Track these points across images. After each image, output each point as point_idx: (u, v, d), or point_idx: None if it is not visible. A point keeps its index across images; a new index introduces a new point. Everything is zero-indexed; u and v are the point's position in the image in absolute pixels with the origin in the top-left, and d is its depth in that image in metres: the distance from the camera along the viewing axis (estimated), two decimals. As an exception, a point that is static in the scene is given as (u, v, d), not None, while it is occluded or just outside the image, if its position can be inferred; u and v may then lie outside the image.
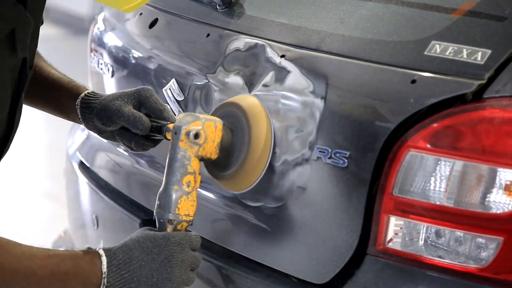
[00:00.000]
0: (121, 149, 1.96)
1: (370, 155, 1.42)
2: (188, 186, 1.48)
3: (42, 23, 1.64)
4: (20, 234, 3.61)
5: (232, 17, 1.70)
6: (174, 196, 1.47)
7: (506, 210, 1.35)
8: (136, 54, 1.93)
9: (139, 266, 1.41)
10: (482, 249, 1.37)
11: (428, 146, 1.39)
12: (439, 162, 1.38)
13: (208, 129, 1.49)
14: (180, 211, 1.47)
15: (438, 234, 1.40)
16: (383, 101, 1.44)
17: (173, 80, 1.76)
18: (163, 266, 1.41)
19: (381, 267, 1.43)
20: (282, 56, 1.56)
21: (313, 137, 1.49)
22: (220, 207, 1.68)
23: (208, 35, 1.72)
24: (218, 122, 1.51)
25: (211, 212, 1.68)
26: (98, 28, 2.11)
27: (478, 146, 1.36)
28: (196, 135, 1.47)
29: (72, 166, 2.16)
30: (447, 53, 1.40)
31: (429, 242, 1.41)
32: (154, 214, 1.50)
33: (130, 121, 1.53)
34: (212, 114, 1.57)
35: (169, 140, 1.50)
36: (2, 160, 1.47)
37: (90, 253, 1.42)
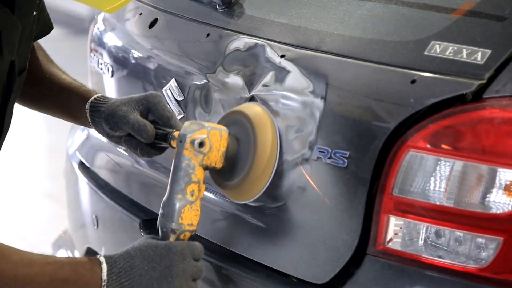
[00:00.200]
0: (121, 149, 1.96)
1: (370, 155, 1.42)
2: (192, 195, 1.46)
3: (51, 28, 1.63)
4: (20, 234, 3.61)
5: (232, 17, 1.70)
6: (177, 205, 1.45)
7: (506, 210, 1.35)
8: (136, 54, 1.92)
9: (140, 274, 1.40)
10: (482, 249, 1.37)
11: (428, 146, 1.39)
12: (439, 162, 1.38)
13: (213, 137, 1.47)
14: (183, 220, 1.46)
15: (438, 234, 1.40)
16: (383, 101, 1.44)
17: (173, 80, 1.76)
18: (164, 276, 1.40)
19: (381, 267, 1.43)
20: (282, 56, 1.56)
21: (313, 137, 1.48)
22: (219, 207, 1.68)
23: (208, 35, 1.72)
24: (224, 131, 1.50)
25: (211, 212, 1.68)
26: (98, 28, 2.11)
27: (478, 146, 1.36)
28: (201, 144, 1.45)
29: (72, 166, 2.16)
30: (447, 53, 1.40)
31: (429, 242, 1.40)
32: (158, 222, 1.49)
33: (135, 129, 1.52)
34: (218, 123, 1.55)
35: (174, 148, 1.49)
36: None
37: (91, 260, 1.41)
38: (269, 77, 1.57)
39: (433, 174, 1.39)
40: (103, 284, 1.39)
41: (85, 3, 1.41)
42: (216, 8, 1.73)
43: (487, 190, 1.36)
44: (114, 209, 1.91)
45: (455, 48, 1.40)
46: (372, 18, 1.55)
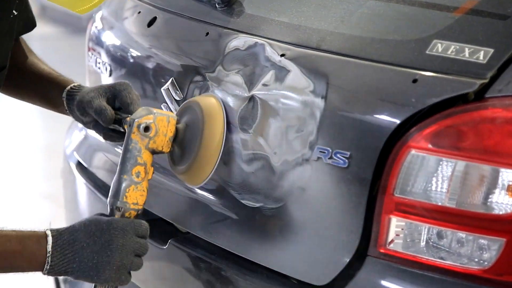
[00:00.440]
0: (118, 150, 1.95)
1: (371, 155, 1.41)
2: (137, 176, 1.53)
3: (34, 25, 1.71)
4: (18, 234, 3.60)
5: (232, 15, 1.70)
6: (123, 185, 1.53)
7: (509, 211, 1.34)
8: (134, 53, 1.92)
9: (82, 247, 1.46)
10: (484, 250, 1.36)
11: (430, 146, 1.38)
12: (441, 163, 1.38)
13: (160, 123, 1.55)
14: (128, 199, 1.53)
15: (439, 235, 1.39)
16: (384, 101, 1.43)
17: (172, 79, 1.76)
18: (103, 249, 1.47)
19: (382, 268, 1.42)
20: (282, 55, 1.56)
21: (313, 137, 1.48)
22: (219, 208, 1.67)
23: (207, 34, 1.72)
24: (172, 117, 1.57)
25: (210, 212, 1.68)
26: (96, 27, 2.11)
27: (480, 146, 1.36)
28: (146, 128, 1.53)
29: (70, 167, 2.15)
30: (449, 52, 1.39)
31: (431, 243, 1.40)
32: (107, 201, 1.56)
33: (96, 113, 1.60)
34: (179, 110, 1.64)
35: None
36: None
37: (37, 233, 1.47)
38: (269, 76, 1.56)
39: (435, 175, 1.38)
40: (48, 255, 1.45)
41: (58, 3, 1.48)
42: (216, 7, 1.72)
43: (490, 191, 1.35)
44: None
45: (457, 47, 1.39)
46: (373, 17, 1.55)
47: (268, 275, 1.54)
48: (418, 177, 1.39)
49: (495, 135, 1.35)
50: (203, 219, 1.69)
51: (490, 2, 1.45)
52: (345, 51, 1.50)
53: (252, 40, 1.62)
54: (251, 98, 1.58)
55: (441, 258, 1.39)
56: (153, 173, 1.56)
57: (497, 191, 1.34)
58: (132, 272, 1.54)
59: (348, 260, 1.44)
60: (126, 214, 1.53)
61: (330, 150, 1.45)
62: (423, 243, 1.40)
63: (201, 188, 1.70)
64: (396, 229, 1.42)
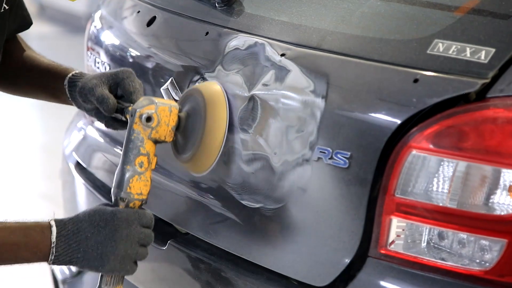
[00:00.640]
0: (118, 150, 1.95)
1: (372, 155, 1.41)
2: (140, 166, 1.53)
3: (30, 23, 1.71)
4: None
5: (231, 15, 1.69)
6: (126, 175, 1.53)
7: (510, 211, 1.34)
8: (133, 52, 1.92)
9: (86, 237, 1.47)
10: (485, 251, 1.36)
11: (431, 146, 1.38)
12: (442, 163, 1.37)
13: (162, 113, 1.54)
14: (132, 190, 1.53)
15: (441, 236, 1.39)
16: (385, 101, 1.43)
17: (171, 79, 1.75)
18: (108, 239, 1.47)
19: (383, 269, 1.42)
20: (282, 54, 1.55)
21: (313, 137, 1.48)
22: (219, 208, 1.67)
23: (207, 33, 1.71)
24: (174, 106, 1.56)
25: (209, 213, 1.68)
26: (95, 26, 2.10)
27: (481, 147, 1.35)
28: (148, 119, 1.53)
29: (69, 167, 2.15)
30: (450, 52, 1.39)
31: (432, 244, 1.40)
32: (111, 191, 1.55)
33: (98, 101, 1.59)
34: (180, 98, 1.63)
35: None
36: None
37: (41, 224, 1.47)
38: (269, 76, 1.56)
39: (436, 175, 1.38)
40: (52, 245, 1.45)
41: None
42: (215, 6, 1.72)
43: (491, 191, 1.34)
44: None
45: (459, 46, 1.39)
46: (373, 16, 1.54)
47: (268, 276, 1.54)
48: (419, 177, 1.39)
49: (497, 135, 1.35)
50: (202, 220, 1.69)
51: (491, 2, 1.45)
52: (345, 51, 1.50)
53: (252, 39, 1.61)
54: (251, 98, 1.58)
55: (442, 259, 1.38)
56: (156, 162, 1.56)
57: (498, 191, 1.34)
58: (131, 273, 1.53)
59: (348, 261, 1.43)
60: (130, 205, 1.53)
61: (331, 151, 1.45)
62: (424, 244, 1.40)
63: (201, 189, 1.70)
64: (397, 230, 1.41)
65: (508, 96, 1.35)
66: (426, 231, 1.40)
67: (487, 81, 1.35)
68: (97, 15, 2.13)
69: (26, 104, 5.43)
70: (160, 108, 1.54)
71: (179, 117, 1.57)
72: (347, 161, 1.43)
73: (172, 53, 1.81)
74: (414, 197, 1.39)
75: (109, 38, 2.03)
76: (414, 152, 1.39)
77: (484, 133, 1.35)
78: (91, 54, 2.08)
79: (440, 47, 1.40)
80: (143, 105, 1.54)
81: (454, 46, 1.39)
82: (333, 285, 1.45)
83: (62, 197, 2.28)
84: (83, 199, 2.08)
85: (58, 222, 1.47)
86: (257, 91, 1.57)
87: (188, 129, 1.59)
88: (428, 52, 1.41)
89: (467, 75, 1.36)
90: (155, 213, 1.77)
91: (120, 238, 1.47)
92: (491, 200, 1.34)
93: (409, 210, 1.40)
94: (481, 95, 1.36)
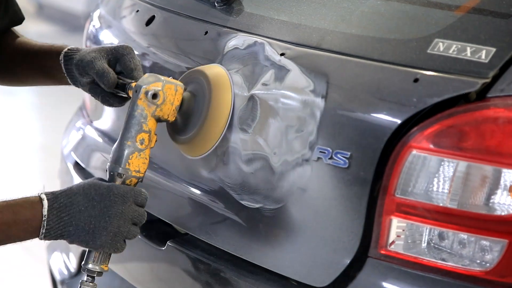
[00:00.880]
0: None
1: (372, 155, 1.41)
2: (141, 143, 1.52)
3: (22, 18, 1.71)
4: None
5: (231, 14, 1.69)
6: (126, 151, 1.51)
7: (511, 211, 1.34)
8: (132, 52, 1.91)
9: (79, 210, 1.44)
10: (486, 252, 1.36)
11: (431, 146, 1.37)
12: (442, 163, 1.37)
13: (168, 91, 1.53)
14: (130, 166, 1.51)
15: (441, 237, 1.39)
16: (385, 100, 1.43)
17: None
18: (102, 214, 1.45)
19: (383, 270, 1.42)
20: (282, 54, 1.55)
21: (313, 137, 1.47)
22: (218, 208, 1.66)
23: (206, 32, 1.71)
24: (179, 86, 1.55)
25: (209, 213, 1.67)
26: (94, 26, 2.10)
27: (482, 147, 1.35)
28: (155, 95, 1.52)
29: (67, 167, 2.15)
30: (450, 51, 1.39)
31: (432, 244, 1.39)
32: (107, 167, 1.54)
33: (98, 74, 1.57)
34: (180, 79, 1.61)
35: (129, 97, 1.55)
36: None
37: (31, 199, 1.44)
38: (268, 76, 1.56)
39: (436, 175, 1.38)
40: (43, 219, 1.43)
41: None
42: (215, 5, 1.72)
43: (492, 191, 1.34)
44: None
45: (459, 46, 1.39)
46: (373, 16, 1.54)
47: (268, 277, 1.54)
48: (419, 177, 1.39)
49: (497, 135, 1.34)
50: (202, 220, 1.68)
51: (492, 1, 1.45)
52: (345, 50, 1.50)
53: (251, 39, 1.61)
54: (251, 98, 1.57)
55: (443, 260, 1.38)
56: (156, 141, 1.54)
57: (499, 191, 1.34)
58: (130, 273, 1.53)
59: (348, 262, 1.43)
60: (127, 181, 1.51)
61: (331, 150, 1.45)
62: (424, 244, 1.40)
63: (200, 189, 1.69)
64: (397, 230, 1.41)
65: (508, 95, 1.35)
66: (427, 231, 1.40)
67: (487, 80, 1.35)
68: (96, 14, 2.13)
69: (25, 104, 5.43)
70: (167, 86, 1.53)
71: (182, 98, 1.56)
72: (347, 161, 1.43)
73: (171, 52, 1.81)
74: (415, 197, 1.39)
75: (108, 37, 2.03)
76: (414, 152, 1.38)
77: (484, 133, 1.35)
78: (89, 53, 2.07)
79: (440, 46, 1.40)
80: (150, 82, 1.52)
81: (454, 46, 1.39)
82: (333, 286, 1.44)
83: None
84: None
85: (50, 195, 1.45)
86: (257, 90, 1.57)
87: (189, 110, 1.57)
88: (428, 51, 1.40)
89: (467, 74, 1.36)
90: (154, 213, 1.77)
91: (114, 214, 1.45)
92: (491, 200, 1.34)
93: (409, 210, 1.40)
94: (482, 94, 1.35)
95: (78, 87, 1.65)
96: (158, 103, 1.52)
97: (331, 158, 1.45)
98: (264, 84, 1.56)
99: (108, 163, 1.53)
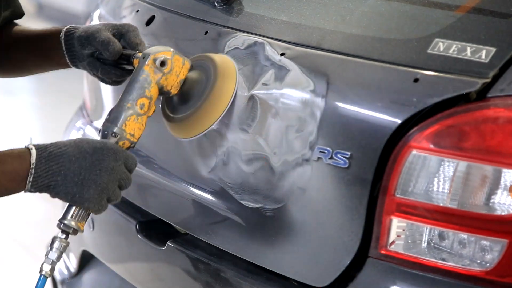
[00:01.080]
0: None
1: (372, 155, 1.41)
2: (141, 108, 1.50)
3: (22, 13, 1.70)
4: (13, 235, 3.59)
5: (231, 14, 1.69)
6: (125, 112, 1.50)
7: (511, 211, 1.33)
8: (132, 52, 1.90)
9: (69, 160, 1.40)
10: (486, 252, 1.36)
11: (431, 146, 1.37)
12: (443, 163, 1.37)
13: (176, 62, 1.53)
14: (126, 128, 1.49)
15: (441, 236, 1.39)
16: (385, 100, 1.43)
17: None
18: (93, 166, 1.41)
19: (383, 269, 1.42)
20: (282, 54, 1.55)
21: (313, 137, 1.47)
22: (218, 208, 1.66)
23: (207, 32, 1.71)
24: (187, 61, 1.55)
25: (209, 213, 1.67)
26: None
27: (482, 146, 1.35)
28: (163, 63, 1.52)
29: (67, 166, 2.14)
30: (450, 51, 1.39)
31: (432, 244, 1.39)
32: (101, 126, 1.51)
33: (103, 44, 1.56)
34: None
35: (134, 67, 1.54)
36: None
37: (18, 149, 1.41)
38: (268, 76, 1.55)
39: (437, 175, 1.38)
40: (31, 167, 1.39)
41: None
42: (215, 5, 1.72)
43: (492, 191, 1.34)
44: (110, 211, 1.89)
45: (459, 46, 1.39)
46: (374, 16, 1.54)
47: (268, 277, 1.54)
48: (419, 177, 1.39)
49: (497, 135, 1.34)
50: (202, 220, 1.68)
51: (492, 1, 1.44)
52: (345, 50, 1.49)
53: (251, 39, 1.61)
54: (251, 98, 1.57)
55: (443, 260, 1.38)
56: (153, 111, 1.52)
57: (499, 191, 1.34)
58: (130, 273, 1.52)
59: (349, 262, 1.43)
60: (120, 143, 1.48)
61: (331, 150, 1.45)
62: (424, 244, 1.40)
63: (200, 189, 1.69)
64: (397, 230, 1.41)
65: (508, 95, 1.34)
66: (427, 231, 1.39)
67: (487, 80, 1.35)
68: (96, 14, 2.12)
69: (25, 104, 5.43)
70: (176, 57, 1.53)
71: (186, 76, 1.55)
72: (347, 161, 1.43)
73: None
74: (415, 197, 1.39)
75: (108, 37, 2.02)
76: (414, 152, 1.38)
77: (484, 133, 1.35)
78: (89, 53, 2.07)
79: (440, 46, 1.40)
80: (159, 50, 1.52)
81: (454, 46, 1.39)
82: (333, 286, 1.44)
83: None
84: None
85: (38, 145, 1.41)
86: (257, 90, 1.57)
87: (190, 91, 1.56)
88: (428, 51, 1.40)
89: (467, 74, 1.36)
90: (154, 213, 1.76)
91: (105, 169, 1.41)
92: (491, 200, 1.34)
93: (410, 210, 1.39)
94: (482, 94, 1.35)
95: (76, 65, 1.63)
96: (165, 71, 1.51)
97: (331, 158, 1.44)
98: (264, 84, 1.56)
99: (103, 123, 1.51)
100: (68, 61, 1.62)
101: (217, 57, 1.59)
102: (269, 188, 1.53)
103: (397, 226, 1.41)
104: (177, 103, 1.57)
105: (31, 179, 1.39)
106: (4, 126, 4.80)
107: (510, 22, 1.40)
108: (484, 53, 1.36)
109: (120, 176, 1.43)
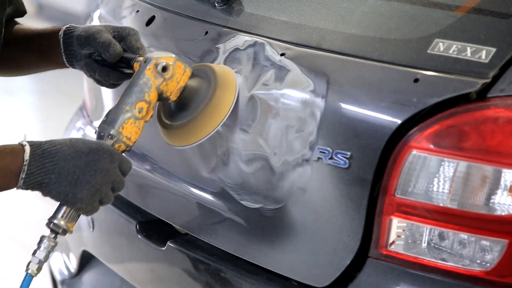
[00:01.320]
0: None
1: (372, 155, 1.41)
2: (139, 112, 1.50)
3: (24, 11, 1.69)
4: (12, 235, 3.59)
5: (231, 14, 1.69)
6: (123, 115, 1.49)
7: (511, 211, 1.33)
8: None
9: (64, 159, 1.38)
10: (486, 252, 1.36)
11: (431, 146, 1.37)
12: (443, 163, 1.37)
13: (178, 68, 1.53)
14: (123, 130, 1.48)
15: (441, 237, 1.39)
16: (385, 100, 1.43)
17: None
18: (88, 167, 1.39)
19: (383, 270, 1.41)
20: (282, 54, 1.55)
21: (313, 137, 1.47)
22: (218, 209, 1.66)
23: (207, 33, 1.71)
24: (189, 68, 1.55)
25: (209, 213, 1.67)
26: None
27: (482, 147, 1.35)
28: (164, 68, 1.51)
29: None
30: (450, 51, 1.39)
31: (432, 244, 1.39)
32: (97, 128, 1.50)
33: (104, 45, 1.55)
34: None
35: (133, 71, 1.53)
36: None
37: (11, 145, 1.39)
38: (269, 76, 1.55)
39: (437, 175, 1.38)
40: (24, 163, 1.37)
41: None
42: (215, 6, 1.71)
43: (492, 192, 1.34)
44: (110, 211, 1.89)
45: (459, 46, 1.38)
46: (374, 16, 1.54)
47: (268, 277, 1.54)
48: (419, 177, 1.39)
49: (497, 135, 1.34)
50: (202, 220, 1.68)
51: (492, 1, 1.44)
52: (345, 50, 1.49)
53: (251, 39, 1.61)
54: (251, 98, 1.57)
55: (443, 260, 1.38)
56: (151, 116, 1.52)
57: (499, 191, 1.34)
58: (130, 273, 1.52)
59: (349, 262, 1.43)
60: (116, 145, 1.47)
61: (331, 151, 1.44)
62: (424, 245, 1.40)
63: (200, 189, 1.69)
64: (397, 230, 1.41)
65: (508, 95, 1.34)
66: (427, 231, 1.39)
67: (487, 80, 1.35)
68: (96, 15, 2.12)
69: (25, 104, 5.43)
70: (178, 64, 1.53)
71: (186, 84, 1.55)
72: (347, 161, 1.43)
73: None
74: (415, 197, 1.39)
75: (108, 37, 2.02)
76: (414, 152, 1.38)
77: (484, 133, 1.35)
78: (89, 53, 2.06)
79: (440, 46, 1.40)
80: (161, 56, 1.52)
81: (454, 46, 1.39)
82: (333, 286, 1.44)
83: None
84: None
85: (32, 142, 1.39)
86: (257, 90, 1.57)
87: (187, 100, 1.56)
88: (428, 51, 1.40)
89: (467, 74, 1.36)
90: (155, 214, 1.76)
91: (100, 170, 1.39)
92: (491, 201, 1.34)
93: (410, 211, 1.39)
94: (482, 94, 1.35)
95: (73, 64, 1.61)
96: (166, 77, 1.51)
97: (331, 158, 1.44)
98: (264, 84, 1.56)
99: (99, 125, 1.49)
100: (64, 60, 1.61)
101: (218, 68, 1.58)
102: (269, 188, 1.53)
103: (397, 226, 1.41)
104: (174, 110, 1.57)
105: (23, 176, 1.37)
106: (4, 126, 4.80)
107: (510, 22, 1.40)
108: (484, 53, 1.36)
109: (114, 179, 1.41)
